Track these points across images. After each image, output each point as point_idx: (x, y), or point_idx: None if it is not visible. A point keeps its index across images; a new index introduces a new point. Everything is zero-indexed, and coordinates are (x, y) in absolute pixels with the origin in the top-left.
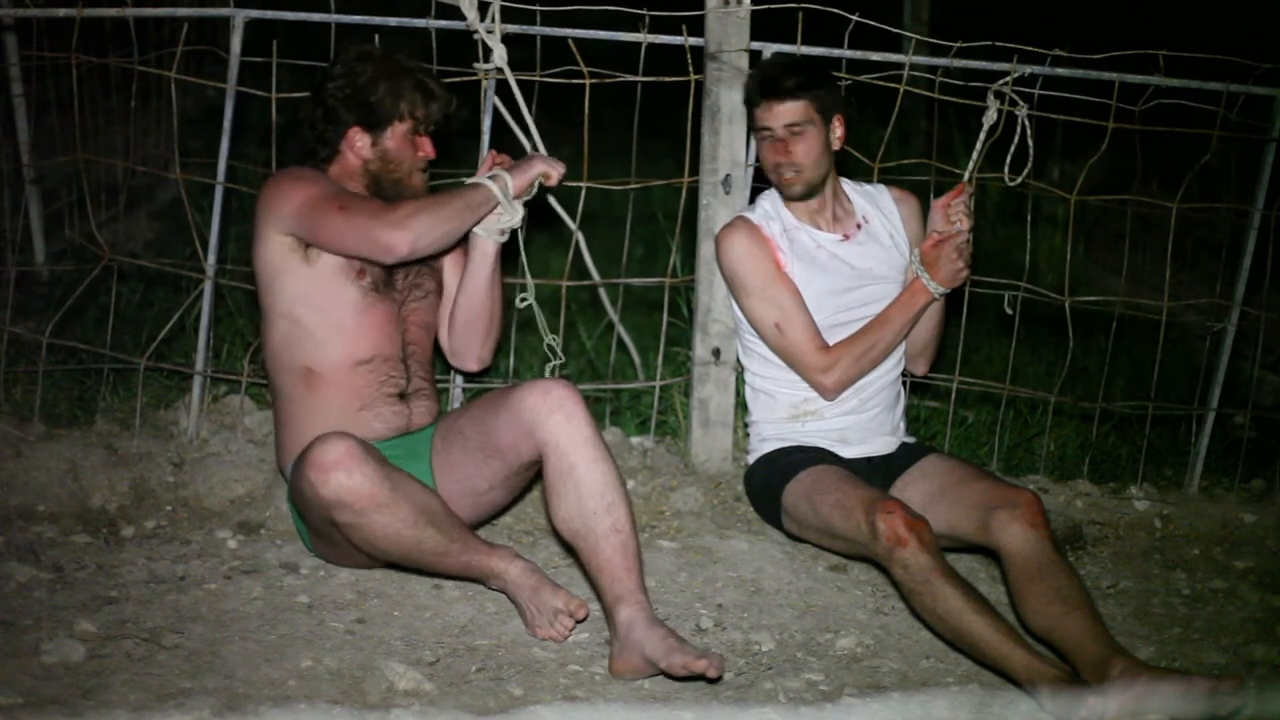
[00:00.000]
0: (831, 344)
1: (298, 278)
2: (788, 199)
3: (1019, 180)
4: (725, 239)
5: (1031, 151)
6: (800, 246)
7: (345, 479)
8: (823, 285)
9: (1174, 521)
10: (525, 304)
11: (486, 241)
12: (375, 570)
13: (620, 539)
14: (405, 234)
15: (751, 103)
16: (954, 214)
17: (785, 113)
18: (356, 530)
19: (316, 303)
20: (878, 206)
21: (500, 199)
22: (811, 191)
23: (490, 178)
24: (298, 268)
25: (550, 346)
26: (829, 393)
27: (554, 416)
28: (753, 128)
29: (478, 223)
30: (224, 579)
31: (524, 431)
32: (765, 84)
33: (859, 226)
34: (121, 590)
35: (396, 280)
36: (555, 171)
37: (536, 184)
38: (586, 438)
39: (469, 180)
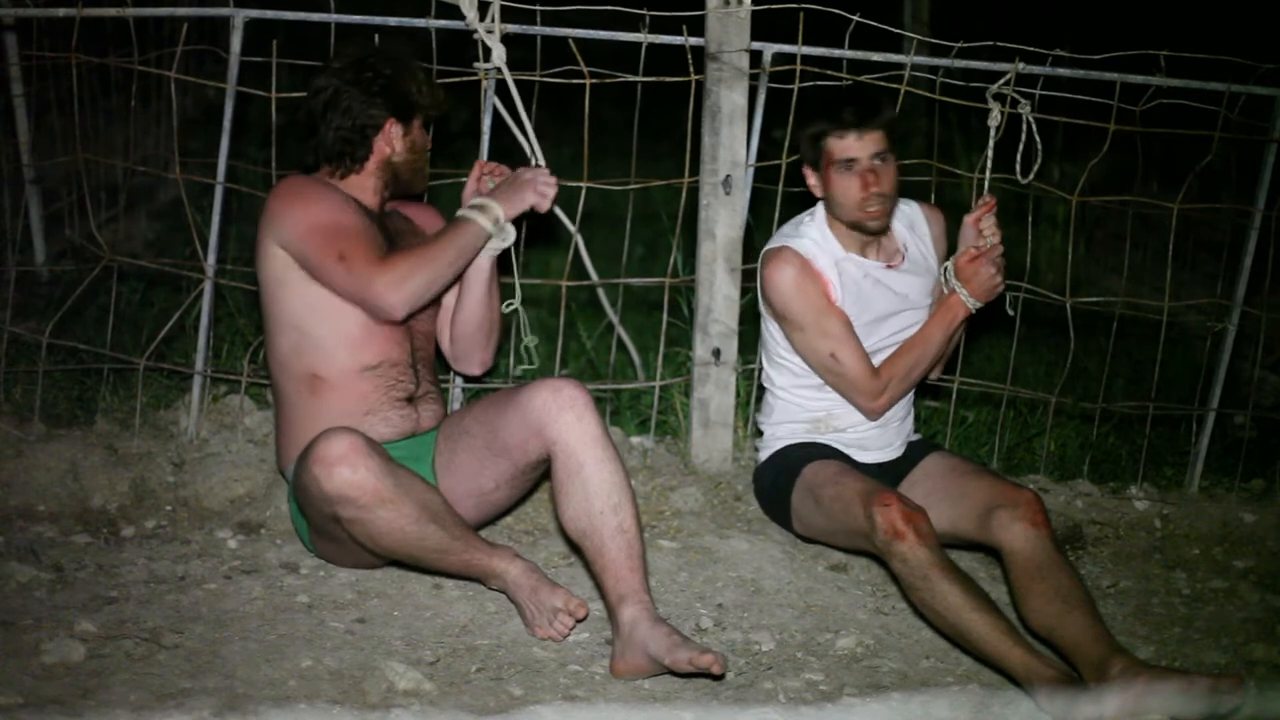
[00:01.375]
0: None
1: (302, 291)
2: (868, 232)
3: (1030, 178)
4: (774, 272)
5: (1040, 147)
6: (849, 277)
7: (350, 474)
8: (870, 313)
9: (1174, 521)
10: (510, 309)
11: (481, 257)
12: (375, 570)
13: (626, 539)
14: (402, 298)
15: (825, 134)
16: (986, 228)
17: (874, 141)
18: (359, 526)
19: (323, 314)
20: (913, 229)
21: (490, 231)
22: (888, 225)
23: (479, 207)
24: (302, 281)
25: (526, 349)
26: (877, 414)
27: (564, 415)
28: (822, 163)
29: (470, 262)
30: (224, 579)
31: (533, 430)
32: (854, 111)
33: (902, 256)
34: (121, 590)
35: None
36: (545, 201)
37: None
38: (595, 437)
39: (459, 212)
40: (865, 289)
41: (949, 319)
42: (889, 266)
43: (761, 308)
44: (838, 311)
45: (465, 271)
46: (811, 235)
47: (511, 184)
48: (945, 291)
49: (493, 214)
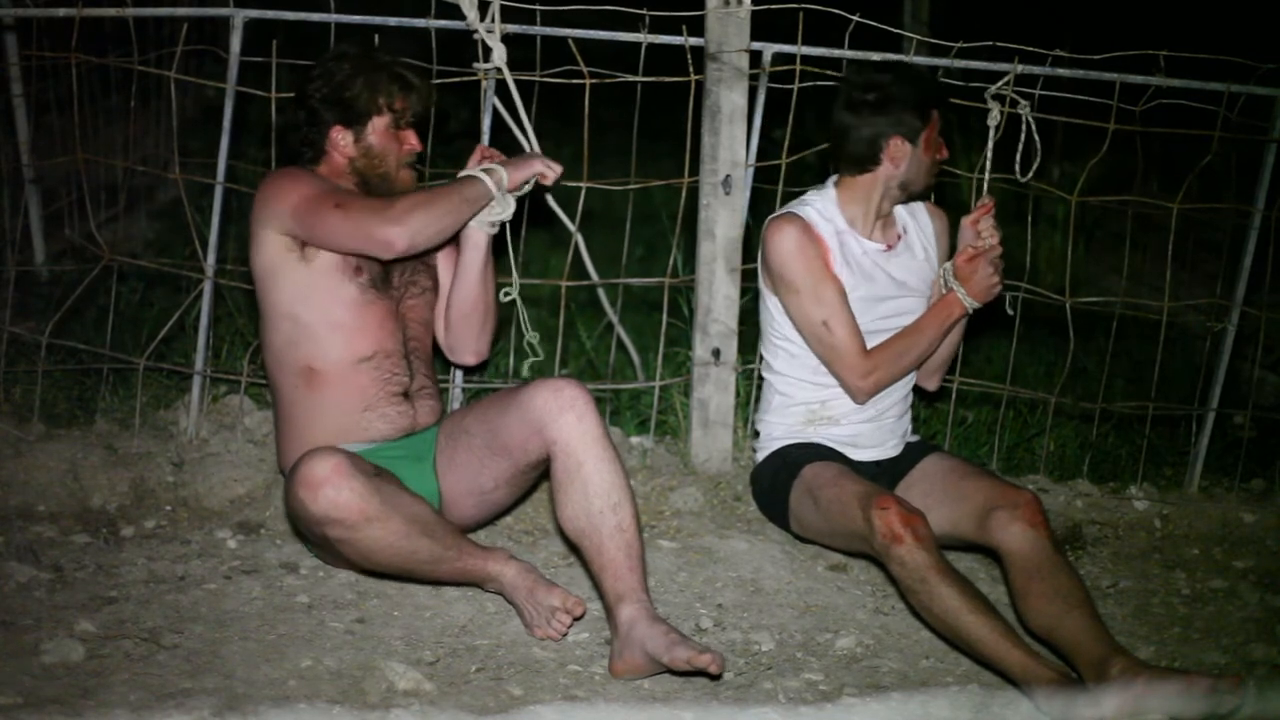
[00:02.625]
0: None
1: (295, 277)
2: (923, 198)
3: (1028, 178)
4: (777, 234)
5: (1039, 147)
6: (849, 251)
7: (334, 495)
8: (865, 292)
9: (1174, 521)
10: (508, 298)
11: (478, 233)
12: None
13: (625, 539)
14: (402, 229)
15: (934, 105)
16: (984, 230)
17: None
18: (349, 545)
19: (315, 301)
20: (914, 218)
21: (494, 193)
22: None
23: (485, 170)
24: (295, 267)
25: (530, 344)
26: (863, 395)
27: (564, 415)
28: (926, 130)
29: (474, 217)
30: (224, 579)
31: (533, 430)
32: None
33: (899, 237)
34: (121, 590)
35: (393, 277)
36: (552, 172)
37: (532, 181)
38: (596, 437)
39: (462, 173)
40: (865, 266)
41: (945, 315)
42: (888, 248)
43: (761, 284)
44: (835, 280)
45: (464, 228)
46: (816, 206)
47: (518, 157)
48: (944, 291)
49: (497, 175)
